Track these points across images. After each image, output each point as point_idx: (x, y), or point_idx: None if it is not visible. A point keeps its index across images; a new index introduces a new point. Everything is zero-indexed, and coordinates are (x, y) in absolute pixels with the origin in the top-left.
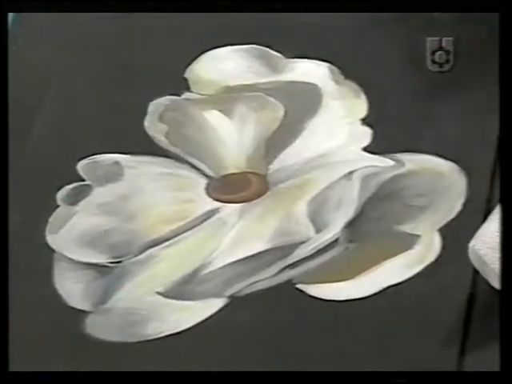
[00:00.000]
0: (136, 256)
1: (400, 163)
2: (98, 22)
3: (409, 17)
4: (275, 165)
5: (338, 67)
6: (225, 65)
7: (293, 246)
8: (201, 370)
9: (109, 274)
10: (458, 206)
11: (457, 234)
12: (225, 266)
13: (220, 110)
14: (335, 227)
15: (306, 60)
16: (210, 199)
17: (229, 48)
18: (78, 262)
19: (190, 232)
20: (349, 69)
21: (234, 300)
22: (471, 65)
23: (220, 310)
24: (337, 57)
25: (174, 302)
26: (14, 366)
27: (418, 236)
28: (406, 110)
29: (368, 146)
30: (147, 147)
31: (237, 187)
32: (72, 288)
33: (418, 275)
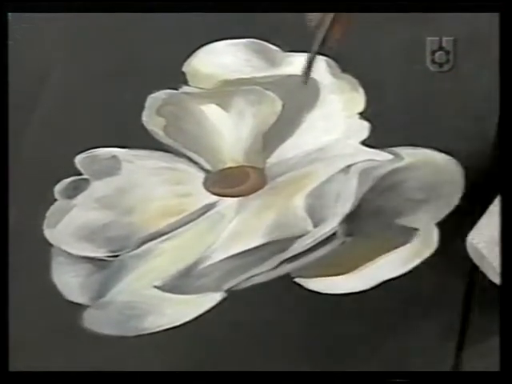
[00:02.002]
0: (134, 250)
1: (398, 157)
2: (97, 20)
3: (409, 17)
4: (273, 158)
5: (337, 64)
6: (223, 59)
7: (291, 240)
8: (199, 363)
9: (106, 267)
10: (456, 200)
11: (455, 227)
12: (223, 260)
13: (218, 104)
14: (333, 221)
15: (304, 54)
16: (208, 193)
17: (227, 42)
18: (76, 256)
19: (187, 226)
20: (348, 68)
21: (231, 294)
22: (471, 65)
23: (218, 304)
24: (336, 56)
25: (171, 295)
26: (14, 365)
27: (416, 230)
28: (404, 105)
29: (366, 140)
30: (145, 141)
31: (235, 181)
32: (70, 282)
33: (416, 269)
